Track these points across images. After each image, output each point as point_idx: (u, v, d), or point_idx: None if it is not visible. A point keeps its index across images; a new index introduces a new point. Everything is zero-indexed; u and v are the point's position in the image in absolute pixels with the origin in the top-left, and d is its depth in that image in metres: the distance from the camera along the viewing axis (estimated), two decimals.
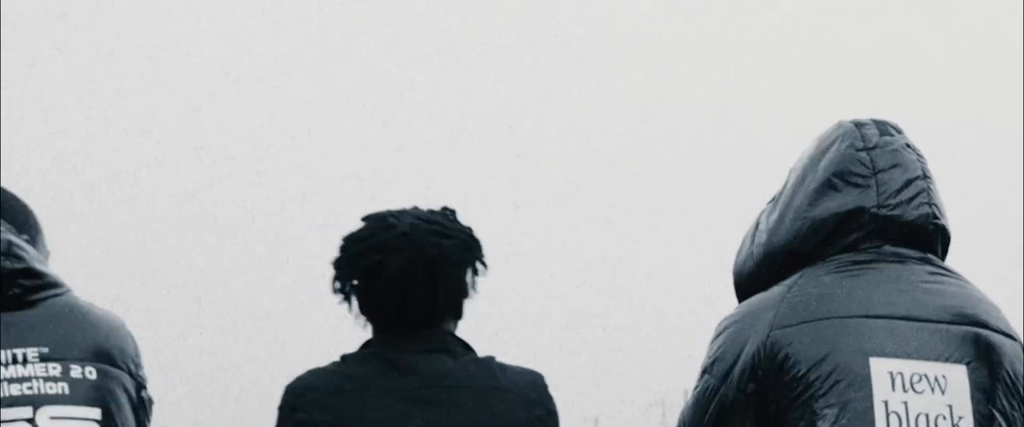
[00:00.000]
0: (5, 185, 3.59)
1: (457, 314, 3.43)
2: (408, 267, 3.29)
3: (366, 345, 3.40)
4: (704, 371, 3.33)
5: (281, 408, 3.31)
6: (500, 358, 3.45)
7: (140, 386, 3.41)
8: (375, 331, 3.40)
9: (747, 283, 3.44)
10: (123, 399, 3.31)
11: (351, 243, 3.35)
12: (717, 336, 3.34)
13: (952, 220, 3.45)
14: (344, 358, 3.38)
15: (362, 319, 3.40)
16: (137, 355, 3.42)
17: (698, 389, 3.33)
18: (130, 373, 3.36)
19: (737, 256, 3.51)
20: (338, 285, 3.37)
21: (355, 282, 3.34)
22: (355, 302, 3.37)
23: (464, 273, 3.38)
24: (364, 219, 3.38)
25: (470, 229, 3.41)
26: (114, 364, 3.32)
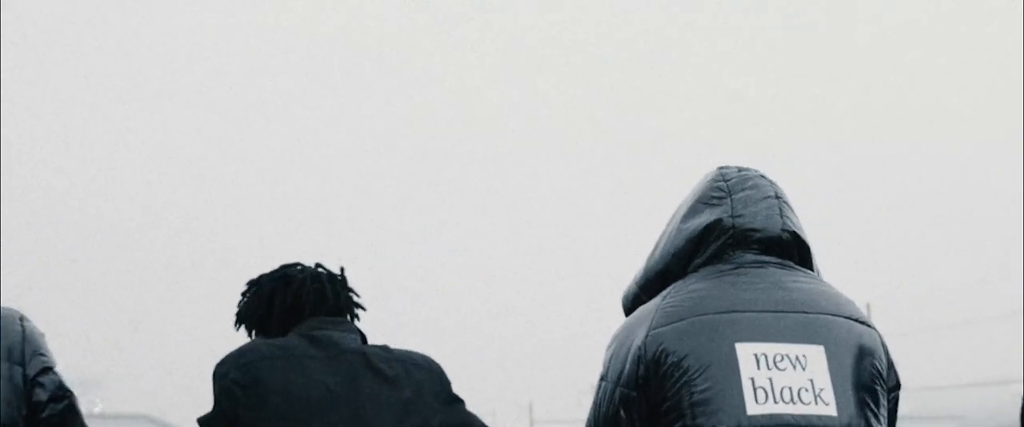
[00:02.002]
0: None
1: (347, 309, 3.75)
2: (315, 274, 3.70)
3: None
4: (601, 379, 3.53)
5: (214, 376, 3.51)
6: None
7: (39, 372, 3.61)
8: (285, 324, 3.68)
9: (631, 306, 3.69)
10: (5, 388, 3.51)
11: (256, 281, 3.72)
12: (609, 347, 3.56)
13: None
14: (270, 339, 3.63)
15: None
16: (27, 344, 3.61)
17: (597, 394, 3.53)
18: (13, 361, 3.55)
19: (626, 290, 3.75)
20: (247, 313, 3.70)
21: (262, 296, 3.67)
22: (256, 317, 3.70)
23: (349, 290, 3.75)
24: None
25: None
26: None
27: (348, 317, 3.71)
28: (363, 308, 3.75)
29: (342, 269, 3.74)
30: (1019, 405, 3.65)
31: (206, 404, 3.56)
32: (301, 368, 3.47)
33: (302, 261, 3.77)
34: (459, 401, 3.64)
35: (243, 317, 3.68)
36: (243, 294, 3.68)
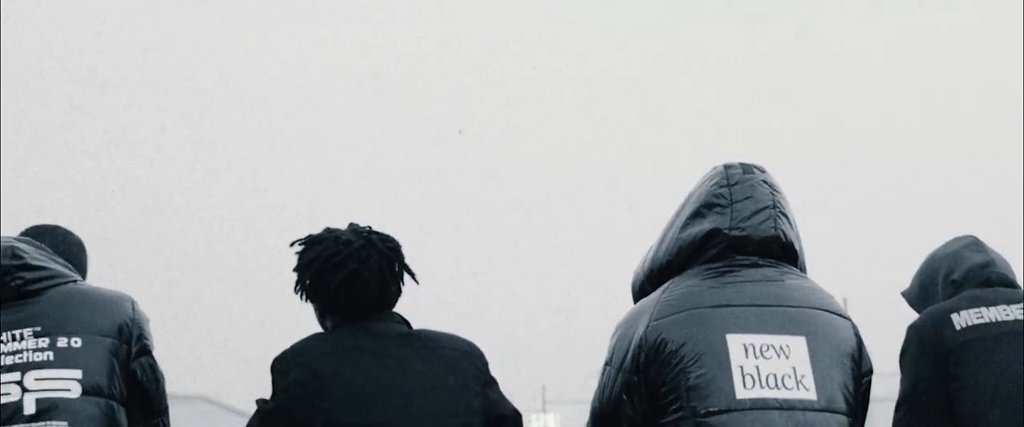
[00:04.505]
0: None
1: (396, 300, 3.62)
2: (379, 268, 3.52)
3: (337, 326, 3.57)
4: (606, 364, 3.54)
5: (274, 372, 3.44)
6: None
7: (140, 352, 3.64)
8: (341, 319, 3.56)
9: (638, 294, 3.69)
10: (106, 361, 3.55)
11: (318, 260, 3.52)
12: (613, 335, 3.56)
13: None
14: (322, 333, 3.55)
15: (326, 316, 3.58)
16: (135, 325, 3.65)
17: (602, 378, 3.54)
18: (122, 340, 3.60)
19: (634, 276, 3.75)
20: (310, 293, 3.54)
21: (329, 290, 3.50)
22: (320, 303, 3.56)
23: (405, 269, 3.61)
24: (313, 240, 3.56)
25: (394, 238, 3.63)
26: (103, 334, 3.57)
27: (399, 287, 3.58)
28: (412, 280, 3.61)
29: (395, 250, 3.57)
30: None
31: (258, 386, 3.55)
32: (354, 362, 3.40)
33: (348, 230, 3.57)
34: (494, 382, 3.57)
35: (298, 292, 3.57)
36: (295, 270, 3.54)
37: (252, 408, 3.56)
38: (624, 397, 3.42)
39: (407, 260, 3.63)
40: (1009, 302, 3.83)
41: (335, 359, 3.41)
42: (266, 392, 3.49)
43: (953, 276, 3.97)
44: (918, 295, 4.09)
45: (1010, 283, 3.96)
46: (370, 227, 3.60)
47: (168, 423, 3.78)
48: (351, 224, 3.60)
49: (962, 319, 3.79)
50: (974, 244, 4.04)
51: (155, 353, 3.75)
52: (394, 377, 3.41)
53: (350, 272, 3.48)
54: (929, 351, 3.78)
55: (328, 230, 3.58)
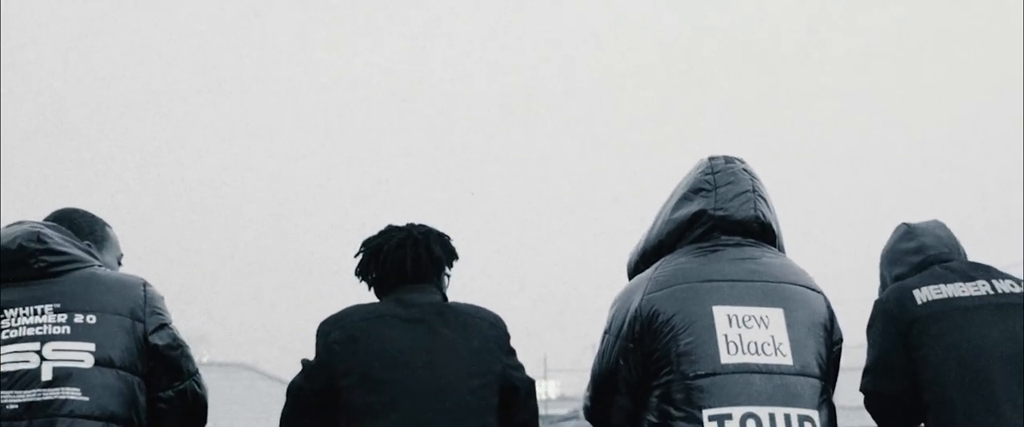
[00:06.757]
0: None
1: (439, 279, 3.72)
2: (401, 243, 3.67)
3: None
4: (605, 333, 3.58)
5: (318, 334, 3.57)
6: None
7: (157, 327, 3.66)
8: (381, 291, 3.70)
9: (632, 271, 3.74)
10: (119, 337, 3.58)
11: (366, 240, 3.74)
12: (611, 307, 3.60)
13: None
14: (361, 303, 3.66)
15: (371, 289, 3.73)
16: (147, 305, 3.66)
17: (601, 345, 3.58)
18: (136, 318, 3.62)
19: (630, 256, 3.80)
20: (358, 267, 3.73)
21: (368, 264, 3.69)
22: (368, 280, 3.72)
23: (440, 250, 3.71)
24: None
25: (442, 231, 3.77)
26: (116, 313, 3.60)
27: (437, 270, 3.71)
28: (449, 266, 3.73)
29: (428, 234, 3.71)
30: None
31: (294, 354, 3.61)
32: (387, 326, 3.52)
33: (401, 223, 3.76)
34: (514, 353, 3.63)
35: (357, 275, 3.75)
36: (355, 255, 3.74)
37: (289, 376, 3.63)
38: (621, 362, 3.46)
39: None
40: (964, 279, 3.90)
41: (369, 323, 3.53)
42: (299, 361, 3.60)
43: (898, 271, 4.05)
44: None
45: (948, 258, 4.01)
46: (421, 224, 3.76)
47: (200, 381, 3.78)
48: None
49: (923, 294, 3.86)
50: (906, 234, 4.09)
51: (174, 325, 3.76)
52: (422, 339, 3.49)
53: (373, 247, 3.69)
54: (893, 323, 3.84)
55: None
